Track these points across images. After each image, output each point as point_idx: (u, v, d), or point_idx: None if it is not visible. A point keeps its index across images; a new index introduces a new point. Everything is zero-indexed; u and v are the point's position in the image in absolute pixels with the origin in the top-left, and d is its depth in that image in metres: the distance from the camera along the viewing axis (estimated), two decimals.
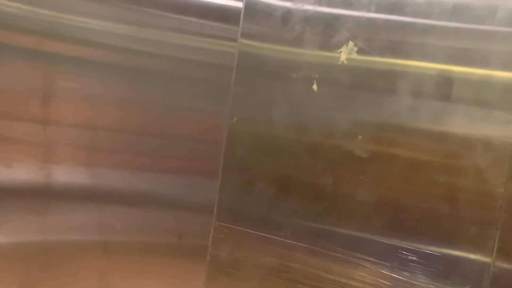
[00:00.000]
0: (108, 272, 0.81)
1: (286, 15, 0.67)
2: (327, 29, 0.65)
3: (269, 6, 0.68)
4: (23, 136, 0.85)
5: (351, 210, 0.65)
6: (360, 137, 0.64)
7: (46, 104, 0.82)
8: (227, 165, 0.71)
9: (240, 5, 0.71)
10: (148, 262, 0.79)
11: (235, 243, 0.71)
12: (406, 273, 0.63)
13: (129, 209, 0.79)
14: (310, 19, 0.66)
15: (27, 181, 0.84)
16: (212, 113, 0.74)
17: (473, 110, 0.60)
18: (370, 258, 0.64)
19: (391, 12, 0.63)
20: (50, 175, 0.83)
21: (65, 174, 0.82)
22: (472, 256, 0.60)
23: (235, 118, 0.70)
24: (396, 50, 0.63)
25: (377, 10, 0.63)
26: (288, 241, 0.68)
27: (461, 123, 0.61)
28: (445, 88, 0.61)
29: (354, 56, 0.64)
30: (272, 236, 0.69)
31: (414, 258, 0.62)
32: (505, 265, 0.59)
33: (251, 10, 0.69)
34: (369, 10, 0.64)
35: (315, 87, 0.66)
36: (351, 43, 0.64)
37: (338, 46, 0.65)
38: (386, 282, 0.63)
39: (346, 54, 0.64)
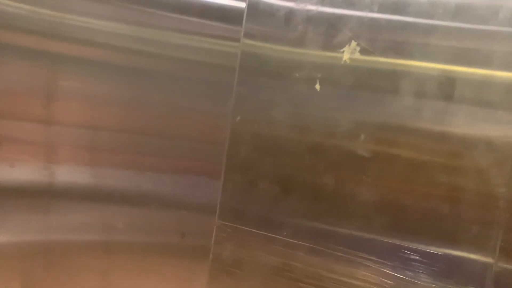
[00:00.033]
0: (110, 271, 0.81)
1: (289, 15, 0.67)
2: (329, 29, 0.66)
3: (271, 6, 0.68)
4: (25, 136, 0.85)
5: (353, 210, 0.65)
6: (362, 136, 0.64)
7: (48, 104, 0.82)
8: (230, 164, 0.71)
9: (242, 5, 0.71)
10: (150, 261, 0.79)
11: (238, 242, 0.71)
12: (408, 273, 0.63)
13: (131, 208, 0.79)
14: (312, 19, 0.66)
15: (29, 180, 0.84)
16: (214, 113, 0.74)
17: (475, 110, 0.60)
18: (372, 257, 0.64)
19: (393, 12, 0.63)
20: (52, 175, 0.83)
21: (67, 174, 0.82)
22: (474, 255, 0.60)
23: (238, 117, 0.70)
24: (398, 50, 0.63)
25: (380, 10, 0.63)
26: (291, 240, 0.68)
27: (463, 123, 0.61)
28: (447, 88, 0.61)
29: (357, 55, 0.64)
30: (275, 235, 0.69)
31: (417, 257, 0.62)
32: (507, 265, 0.60)
33: (254, 10, 0.70)
34: (371, 10, 0.64)
35: (317, 86, 0.66)
36: (353, 43, 0.64)
37: (340, 45, 0.65)
38: (389, 281, 0.63)
39: (349, 53, 0.64)
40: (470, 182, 0.61)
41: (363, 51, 0.64)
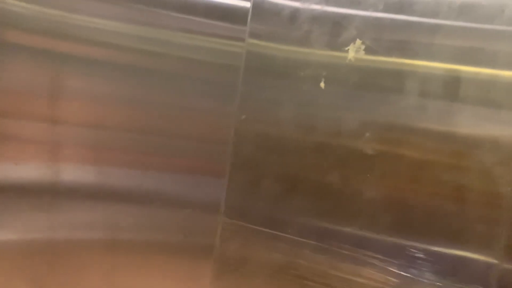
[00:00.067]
0: (114, 269, 0.81)
1: (294, 14, 0.68)
2: (334, 28, 0.66)
3: (276, 5, 0.69)
4: (30, 135, 0.85)
5: (358, 208, 0.65)
6: (367, 135, 0.65)
7: (53, 103, 0.83)
8: (235, 163, 0.71)
9: (247, 4, 0.71)
10: (154, 260, 0.79)
11: (243, 240, 0.71)
12: (413, 271, 0.63)
13: (136, 207, 0.79)
14: (317, 18, 0.67)
15: (34, 179, 0.84)
16: (219, 113, 0.75)
17: (481, 109, 0.60)
18: (378, 256, 0.64)
19: (398, 11, 0.63)
20: (57, 173, 0.83)
21: (71, 173, 0.83)
22: (479, 254, 0.60)
23: (243, 116, 0.71)
24: (403, 49, 0.63)
25: (385, 9, 0.64)
26: (296, 238, 0.68)
27: (468, 123, 0.61)
28: (452, 88, 0.61)
29: (362, 54, 0.64)
30: (280, 233, 0.69)
31: (422, 256, 0.62)
32: None
33: (258, 9, 0.70)
34: (376, 9, 0.64)
35: (322, 84, 0.66)
36: (358, 41, 0.64)
37: (345, 44, 0.65)
38: (394, 279, 0.63)
39: (353, 52, 0.64)
40: (475, 181, 0.61)
41: (368, 50, 0.64)
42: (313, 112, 0.67)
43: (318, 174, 0.67)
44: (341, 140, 0.66)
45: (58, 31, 0.81)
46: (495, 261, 0.60)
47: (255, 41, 0.70)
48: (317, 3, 0.67)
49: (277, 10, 0.69)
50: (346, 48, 0.65)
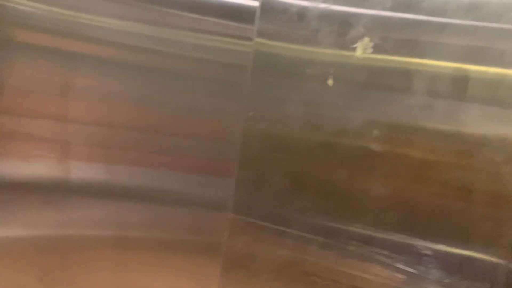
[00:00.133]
0: (124, 266, 0.82)
1: (302, 13, 0.68)
2: (342, 26, 0.66)
3: (284, 4, 0.69)
4: (41, 132, 0.85)
5: (365, 205, 0.65)
6: (374, 133, 0.65)
7: (64, 102, 0.83)
8: (243, 160, 0.72)
9: (256, 4, 0.71)
10: (164, 256, 0.80)
11: (251, 237, 0.72)
12: (420, 267, 0.63)
13: (145, 205, 0.80)
14: (326, 16, 0.67)
15: (45, 176, 0.85)
16: (227, 112, 0.75)
17: (489, 108, 0.60)
18: (384, 252, 0.64)
19: (406, 9, 0.63)
20: (67, 171, 0.84)
21: (82, 170, 0.83)
22: (486, 252, 0.61)
23: (251, 115, 0.71)
24: (411, 47, 0.63)
25: (393, 7, 0.64)
26: (303, 234, 0.69)
27: (476, 122, 0.61)
28: (460, 86, 0.61)
29: (370, 52, 0.64)
30: (287, 229, 0.69)
31: (429, 252, 0.63)
32: None
33: (267, 8, 0.70)
34: (384, 7, 0.64)
35: (330, 82, 0.67)
36: (366, 39, 0.64)
37: (353, 42, 0.65)
38: (401, 276, 0.64)
39: (362, 49, 0.64)
40: (483, 180, 0.61)
41: (375, 48, 0.64)
42: (320, 110, 0.67)
43: (325, 172, 0.67)
44: (348, 138, 0.66)
45: (68, 30, 0.81)
46: (502, 259, 0.60)
47: (263, 40, 0.70)
48: (325, 2, 0.67)
49: (285, 9, 0.69)
50: (354, 46, 0.65)
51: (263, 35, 0.70)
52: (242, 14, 0.72)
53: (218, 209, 0.75)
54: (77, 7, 0.81)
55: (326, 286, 0.68)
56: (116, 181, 0.81)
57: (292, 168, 0.69)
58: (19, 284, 0.88)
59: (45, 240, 0.85)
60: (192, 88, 0.76)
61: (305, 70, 0.68)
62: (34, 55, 0.85)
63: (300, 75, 0.68)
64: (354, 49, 0.65)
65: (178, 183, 0.78)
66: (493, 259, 0.60)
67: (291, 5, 0.68)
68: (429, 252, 0.63)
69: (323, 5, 0.67)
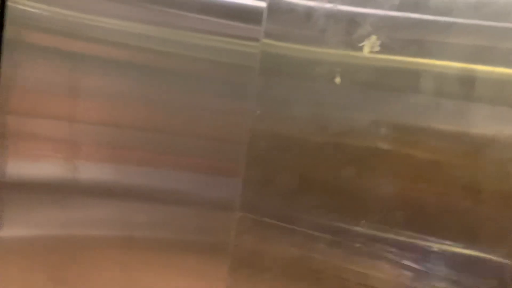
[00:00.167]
0: (131, 265, 0.82)
1: (309, 13, 0.68)
2: (349, 25, 0.66)
3: (291, 5, 0.69)
4: (49, 133, 0.86)
5: (373, 203, 0.65)
6: (381, 132, 0.65)
7: (71, 102, 0.84)
8: (250, 160, 0.72)
9: (263, 4, 0.71)
10: (171, 256, 0.80)
11: (258, 235, 0.72)
12: (428, 265, 0.63)
13: (152, 205, 0.80)
14: (332, 16, 0.67)
15: (53, 176, 0.85)
16: (234, 112, 0.75)
17: (496, 108, 0.60)
18: (392, 249, 0.64)
19: (413, 8, 0.63)
20: (75, 171, 0.84)
21: (89, 170, 0.83)
22: (494, 251, 0.60)
23: (258, 115, 0.71)
24: (418, 47, 0.63)
25: (400, 7, 0.64)
26: (311, 232, 0.69)
27: (483, 121, 0.61)
28: (467, 86, 0.61)
29: (377, 50, 0.64)
30: (295, 227, 0.70)
31: (436, 250, 0.63)
32: None
33: (274, 9, 0.70)
34: (391, 7, 0.64)
35: (338, 80, 0.67)
36: (374, 37, 0.64)
37: (361, 40, 0.65)
38: (409, 273, 0.64)
39: (369, 47, 0.64)
40: (490, 179, 0.61)
41: (383, 47, 0.64)
42: (327, 110, 0.67)
43: (332, 170, 0.67)
44: (355, 137, 0.66)
45: (76, 32, 0.82)
46: (508, 259, 0.60)
47: (270, 41, 0.70)
48: (331, 1, 0.67)
49: (292, 9, 0.69)
50: (361, 44, 0.65)
51: (270, 36, 0.71)
52: (249, 15, 0.73)
53: (225, 209, 0.75)
54: (86, 9, 0.82)
55: (333, 284, 0.68)
56: (123, 181, 0.81)
57: (299, 167, 0.69)
58: (28, 283, 0.88)
59: (53, 240, 0.85)
60: (199, 89, 0.77)
61: (312, 70, 0.68)
62: (42, 56, 0.85)
63: (307, 75, 0.69)
64: (361, 48, 0.65)
65: (185, 183, 0.78)
66: (500, 258, 0.60)
67: (298, 5, 0.69)
68: (437, 249, 0.63)
69: (329, 5, 0.67)
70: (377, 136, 0.65)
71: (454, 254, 0.62)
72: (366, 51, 0.65)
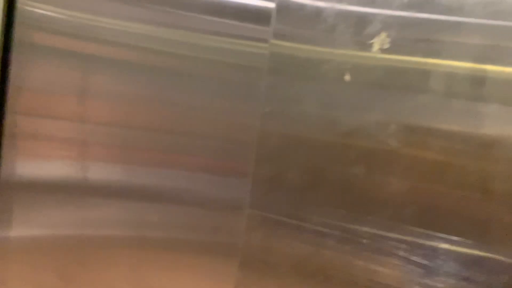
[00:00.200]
0: (142, 265, 0.82)
1: (318, 13, 0.68)
2: (359, 24, 0.66)
3: (300, 5, 0.69)
4: (60, 133, 0.86)
5: (382, 199, 0.65)
6: (391, 131, 0.65)
7: (82, 103, 0.84)
8: (260, 159, 0.72)
9: (271, 5, 0.71)
10: (181, 255, 0.80)
11: (268, 231, 0.72)
12: (438, 261, 0.63)
13: (162, 205, 0.80)
14: (342, 15, 0.67)
15: (64, 176, 0.86)
16: (243, 113, 0.75)
17: (506, 108, 0.60)
18: (402, 245, 0.65)
19: (423, 7, 0.63)
20: (86, 171, 0.85)
21: (100, 170, 0.84)
22: (504, 250, 0.61)
23: (267, 109, 0.71)
24: (428, 46, 0.63)
25: (409, 6, 0.64)
26: (320, 229, 0.69)
27: (494, 121, 0.61)
28: (477, 87, 0.61)
29: (387, 46, 0.64)
30: (305, 225, 0.70)
31: (447, 246, 0.63)
32: None
33: (282, 10, 0.70)
34: (401, 6, 0.64)
35: (347, 79, 0.67)
36: (383, 34, 0.64)
37: (370, 39, 0.65)
38: (418, 269, 0.64)
39: (379, 45, 0.64)
40: (500, 179, 0.61)
41: (392, 46, 0.64)
42: (337, 109, 0.68)
43: (342, 168, 0.68)
44: (364, 135, 0.66)
45: (86, 34, 0.82)
46: None
47: (279, 42, 0.71)
48: (340, 1, 0.67)
49: (301, 10, 0.69)
50: (371, 41, 0.65)
51: (279, 36, 0.71)
52: (258, 16, 0.73)
53: (234, 208, 0.75)
54: (95, 10, 0.82)
55: (342, 280, 0.68)
56: (133, 181, 0.81)
57: (308, 165, 0.69)
58: (40, 282, 0.89)
59: (65, 239, 0.86)
60: (209, 90, 0.77)
61: (321, 69, 0.68)
62: (53, 58, 0.86)
63: (316, 75, 0.69)
64: (371, 47, 0.65)
65: (194, 182, 0.79)
66: (510, 257, 0.61)
67: (307, 5, 0.69)
68: (447, 246, 0.63)
69: (339, 5, 0.67)
70: (386, 135, 0.65)
71: (464, 251, 0.62)
72: (376, 48, 0.65)
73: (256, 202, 0.73)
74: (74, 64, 0.84)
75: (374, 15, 0.65)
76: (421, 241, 0.64)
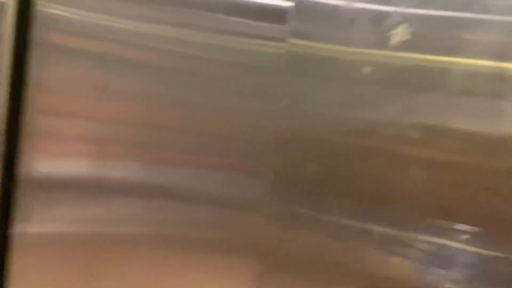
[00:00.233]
0: (159, 264, 0.82)
1: (335, 11, 0.68)
2: (378, 21, 0.66)
3: (318, 4, 0.69)
4: (76, 132, 0.87)
5: (402, 191, 0.66)
6: (409, 130, 0.65)
7: (100, 103, 0.85)
8: (278, 158, 0.73)
9: (289, 4, 0.72)
10: (200, 255, 0.80)
11: (287, 231, 0.72)
12: (458, 251, 0.63)
13: (180, 204, 0.80)
14: (360, 13, 0.67)
15: (80, 174, 0.86)
16: (260, 113, 0.75)
17: None
18: (420, 237, 0.65)
19: (443, 4, 0.64)
20: (102, 169, 0.85)
21: (119, 169, 0.84)
22: None
23: (284, 108, 0.72)
24: (447, 43, 0.63)
25: (429, 3, 0.64)
26: (339, 220, 0.69)
27: None
28: (497, 86, 0.61)
29: (407, 38, 0.64)
30: (323, 215, 0.70)
31: (466, 237, 0.63)
32: None
33: (300, 9, 0.71)
34: (420, 3, 0.64)
35: (365, 75, 0.67)
36: (403, 26, 0.64)
37: (389, 36, 0.65)
38: (438, 261, 0.64)
39: (399, 36, 0.64)
40: None
41: (411, 42, 0.64)
42: (355, 107, 0.68)
43: (361, 158, 0.68)
44: (382, 133, 0.66)
45: (104, 35, 0.83)
46: None
47: (297, 41, 0.71)
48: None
49: (318, 8, 0.69)
50: (390, 33, 0.64)
51: (296, 35, 0.71)
52: (276, 16, 0.73)
53: (253, 207, 0.75)
54: (111, 11, 0.83)
55: (362, 273, 0.68)
56: (152, 180, 0.82)
57: (326, 163, 0.70)
58: (58, 279, 0.89)
59: (84, 236, 0.86)
60: (226, 90, 0.77)
61: (339, 67, 0.68)
62: (71, 57, 0.87)
63: (334, 73, 0.69)
64: (390, 39, 0.65)
65: (213, 182, 0.79)
66: None
67: (324, 4, 0.69)
68: (467, 236, 0.63)
69: (356, 3, 0.67)
70: (405, 132, 0.65)
71: (475, 250, 0.62)
72: (396, 39, 0.64)
73: (275, 199, 0.73)
74: (91, 64, 0.85)
75: (392, 13, 0.65)
76: (438, 234, 0.64)
